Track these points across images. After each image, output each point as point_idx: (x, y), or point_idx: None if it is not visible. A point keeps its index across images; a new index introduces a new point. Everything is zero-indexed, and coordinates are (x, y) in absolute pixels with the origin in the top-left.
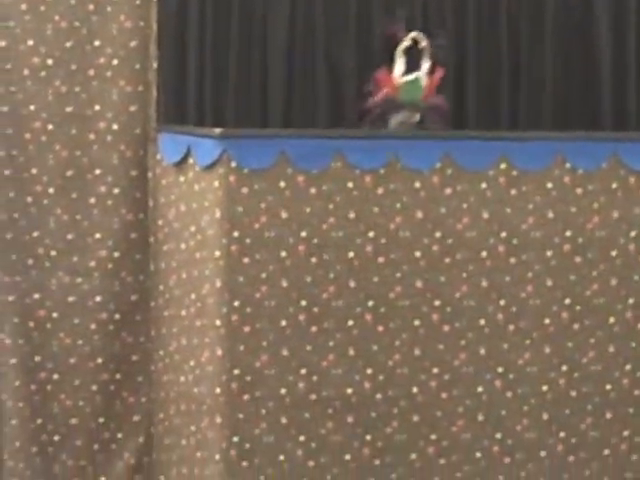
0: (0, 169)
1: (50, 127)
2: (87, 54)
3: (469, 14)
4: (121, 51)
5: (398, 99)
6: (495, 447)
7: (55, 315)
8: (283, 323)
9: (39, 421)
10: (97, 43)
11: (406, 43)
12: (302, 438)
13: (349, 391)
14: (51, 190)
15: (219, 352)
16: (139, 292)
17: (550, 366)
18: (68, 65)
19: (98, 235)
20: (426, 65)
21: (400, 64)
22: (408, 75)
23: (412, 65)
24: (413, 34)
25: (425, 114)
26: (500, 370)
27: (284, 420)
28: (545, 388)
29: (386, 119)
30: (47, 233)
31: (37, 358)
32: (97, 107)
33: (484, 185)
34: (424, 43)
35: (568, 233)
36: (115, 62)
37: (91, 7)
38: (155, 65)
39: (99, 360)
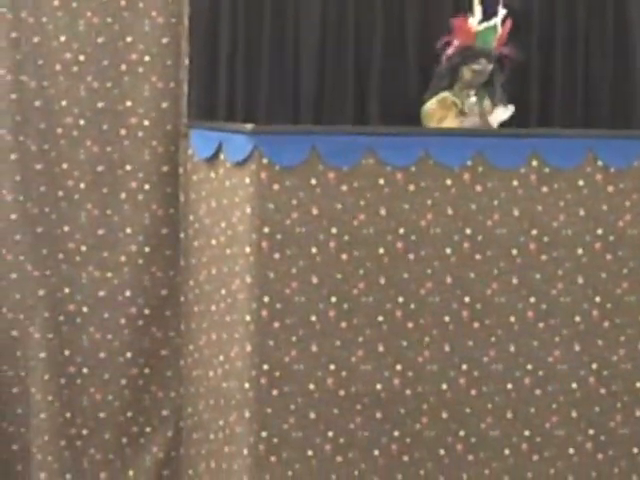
0: (32, 163)
1: (82, 122)
2: (119, 50)
3: None
4: (153, 47)
5: (475, 47)
6: (524, 444)
7: (85, 309)
8: (313, 319)
9: (68, 415)
10: (129, 39)
11: None
12: (330, 433)
13: (378, 387)
14: (82, 185)
15: (248, 347)
16: (169, 287)
17: (580, 364)
18: (100, 61)
19: (129, 230)
20: (502, 12)
21: (478, 11)
22: (484, 22)
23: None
24: None
25: (495, 64)
26: (529, 367)
27: (313, 415)
28: (574, 386)
29: (457, 69)
30: (78, 228)
31: (67, 352)
32: (129, 103)
33: (515, 182)
34: None
35: (599, 231)
36: (147, 58)
37: (123, 3)
38: (187, 61)
39: (128, 355)
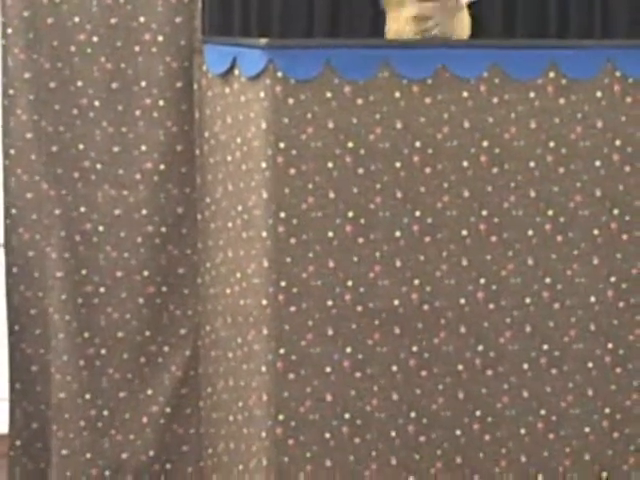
0: (45, 81)
1: (95, 39)
2: None
3: None
4: None
5: None
6: (542, 359)
7: (101, 228)
8: (330, 234)
9: (86, 335)
10: None
11: None
12: (349, 349)
13: (396, 302)
14: (97, 103)
15: (265, 264)
16: (185, 205)
17: (598, 277)
18: None
19: (144, 147)
20: None
21: None
22: None
23: None
24: None
25: None
26: (548, 281)
27: (330, 332)
28: (593, 299)
29: None
30: (93, 146)
31: (83, 271)
32: (142, 19)
33: (532, 94)
34: None
35: (617, 142)
36: None
37: None
38: None
39: (145, 273)
